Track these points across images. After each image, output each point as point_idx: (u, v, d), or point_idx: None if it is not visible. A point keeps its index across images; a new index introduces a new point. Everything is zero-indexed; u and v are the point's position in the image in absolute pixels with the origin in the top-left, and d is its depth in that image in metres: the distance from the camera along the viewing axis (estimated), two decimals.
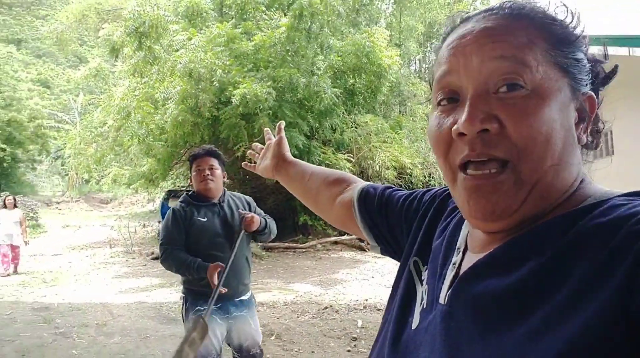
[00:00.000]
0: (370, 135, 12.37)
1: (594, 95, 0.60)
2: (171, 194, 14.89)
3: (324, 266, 10.58)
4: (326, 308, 6.84)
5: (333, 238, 13.21)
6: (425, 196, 0.85)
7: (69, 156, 31.97)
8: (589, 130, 0.60)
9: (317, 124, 11.30)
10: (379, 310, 6.96)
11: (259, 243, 12.55)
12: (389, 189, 0.95)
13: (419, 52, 16.58)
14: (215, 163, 3.01)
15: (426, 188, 0.90)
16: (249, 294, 3.07)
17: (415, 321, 0.67)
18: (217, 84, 9.07)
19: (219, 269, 2.79)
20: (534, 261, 0.53)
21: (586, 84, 0.59)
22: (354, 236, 13.33)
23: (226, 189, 3.17)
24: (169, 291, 8.30)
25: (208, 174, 2.96)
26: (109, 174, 14.48)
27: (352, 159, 12.25)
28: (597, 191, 0.58)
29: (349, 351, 5.10)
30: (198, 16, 10.79)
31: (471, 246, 0.65)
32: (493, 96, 0.56)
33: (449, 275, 0.64)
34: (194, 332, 2.10)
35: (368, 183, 1.03)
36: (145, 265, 11.62)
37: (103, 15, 17.43)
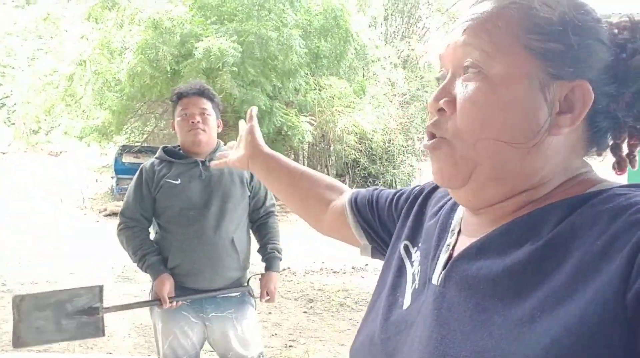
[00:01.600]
0: (334, 99, 12.26)
1: (586, 83, 0.56)
2: (125, 149, 14.44)
3: (282, 227, 10.59)
4: (284, 269, 6.88)
5: None
6: (415, 187, 0.87)
7: (15, 104, 30.37)
8: (578, 121, 0.57)
9: (280, 84, 11.08)
10: (335, 272, 7.07)
11: None
12: (379, 189, 0.96)
13: (385, 15, 16.37)
14: (208, 106, 2.27)
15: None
16: (238, 291, 2.33)
17: (407, 301, 0.67)
18: (179, 37, 8.64)
19: (167, 285, 2.17)
20: (530, 246, 0.53)
21: (583, 71, 0.56)
22: None
23: (221, 143, 2.41)
24: (121, 249, 8.12)
25: (199, 122, 2.22)
26: (59, 125, 13.81)
27: (314, 122, 12.16)
28: (600, 182, 0.59)
29: (305, 312, 5.18)
30: None
31: (465, 229, 0.66)
32: (460, 80, 0.60)
33: (443, 256, 0.65)
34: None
35: (355, 190, 1.02)
36: (97, 221, 11.31)
37: None
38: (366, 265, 7.31)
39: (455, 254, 0.63)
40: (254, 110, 1.15)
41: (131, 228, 2.27)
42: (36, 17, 12.75)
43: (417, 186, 0.87)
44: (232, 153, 1.18)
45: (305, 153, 15.88)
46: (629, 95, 0.58)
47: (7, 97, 31.77)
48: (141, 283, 6.08)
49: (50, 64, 13.58)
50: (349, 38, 10.72)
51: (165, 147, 2.42)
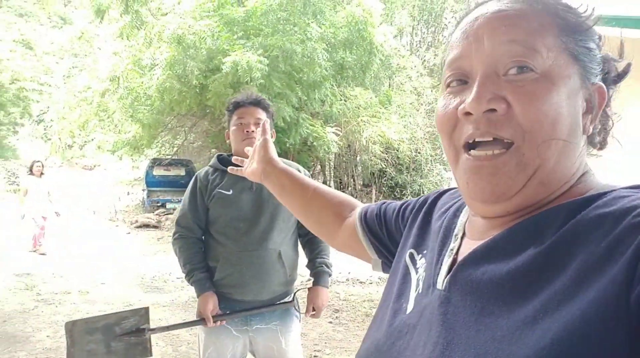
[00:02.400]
0: (359, 109, 12.26)
1: (603, 86, 0.59)
2: (156, 162, 14.77)
3: None
4: (309, 280, 6.88)
5: None
6: (420, 197, 0.88)
7: (52, 120, 31.41)
8: (596, 121, 0.60)
9: (305, 97, 11.16)
10: (361, 283, 7.04)
11: None
12: (387, 202, 0.97)
13: (412, 25, 16.37)
14: (263, 116, 2.26)
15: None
16: (283, 307, 2.30)
17: (410, 306, 0.67)
18: (205, 52, 8.84)
19: (211, 304, 2.16)
20: (534, 249, 0.53)
21: (597, 75, 0.59)
22: None
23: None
24: (151, 260, 8.29)
25: (253, 131, 2.20)
26: (92, 140, 14.23)
27: (339, 132, 12.19)
28: (601, 183, 0.60)
29: (330, 323, 5.17)
30: None
31: (470, 232, 0.66)
32: (502, 78, 0.57)
33: (447, 260, 0.65)
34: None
35: (366, 204, 1.02)
36: (129, 233, 11.57)
37: None
38: None
39: (459, 258, 0.63)
40: (267, 124, 1.15)
41: (185, 238, 2.28)
42: (71, 36, 13.21)
43: (422, 196, 0.87)
44: (247, 164, 1.21)
45: (332, 164, 15.91)
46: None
47: (44, 113, 32.90)
48: (170, 293, 6.19)
49: (85, 81, 14.07)
50: (373, 49, 10.74)
51: (221, 155, 2.40)
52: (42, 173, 8.82)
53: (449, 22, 17.30)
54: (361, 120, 12.25)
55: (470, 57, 0.59)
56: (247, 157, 2.27)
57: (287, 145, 11.54)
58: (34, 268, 7.31)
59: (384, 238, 0.90)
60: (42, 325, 4.85)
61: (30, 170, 8.84)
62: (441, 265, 0.65)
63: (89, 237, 10.46)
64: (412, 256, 0.75)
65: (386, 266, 0.91)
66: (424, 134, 14.82)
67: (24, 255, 8.27)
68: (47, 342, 4.43)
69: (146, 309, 2.06)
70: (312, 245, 2.44)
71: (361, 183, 16.30)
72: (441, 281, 0.63)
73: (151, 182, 14.14)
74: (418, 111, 14.46)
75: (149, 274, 7.17)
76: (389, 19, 13.48)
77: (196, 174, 2.38)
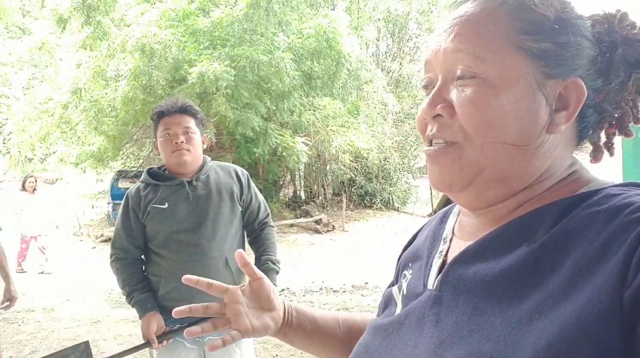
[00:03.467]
0: (328, 118, 12.33)
1: (578, 80, 0.57)
2: (121, 174, 14.42)
3: (280, 248, 10.55)
4: (283, 290, 6.85)
5: (289, 221, 13.21)
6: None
7: (10, 133, 30.35)
8: (574, 116, 0.58)
9: (274, 107, 11.17)
10: (334, 291, 7.04)
11: None
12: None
13: (377, 36, 16.62)
14: (192, 123, 2.15)
15: None
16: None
17: (398, 309, 0.67)
18: (171, 61, 8.74)
19: (154, 325, 2.07)
20: (526, 247, 0.53)
21: (576, 69, 0.57)
22: (310, 219, 13.38)
23: (208, 159, 2.29)
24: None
25: (182, 142, 2.10)
26: (54, 153, 13.83)
27: (309, 142, 12.23)
28: (592, 180, 0.59)
29: None
30: None
31: (460, 233, 0.66)
32: (453, 85, 0.60)
33: (437, 262, 0.65)
34: None
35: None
36: (94, 247, 11.25)
37: None
38: (366, 283, 7.30)
39: (449, 259, 0.63)
40: (241, 253, 0.86)
41: (122, 260, 2.18)
42: (31, 47, 12.86)
43: None
44: (238, 319, 0.85)
45: (302, 173, 15.92)
46: (613, 87, 0.59)
47: (2, 126, 31.80)
48: None
49: (46, 92, 13.67)
50: (341, 59, 10.85)
51: (150, 169, 2.29)
52: (34, 189, 8.26)
53: (414, 33, 17.65)
54: (330, 130, 12.33)
55: (432, 64, 0.63)
56: (178, 171, 2.18)
57: (257, 155, 11.50)
58: None
59: None
60: (5, 345, 4.65)
61: (23, 186, 8.23)
62: (431, 266, 0.65)
63: (53, 252, 10.12)
64: (404, 276, 0.73)
65: None
66: (392, 143, 15.02)
67: None
68: None
69: (86, 343, 1.97)
70: (257, 243, 2.37)
71: (331, 192, 16.36)
72: (432, 282, 0.63)
73: (117, 195, 13.79)
74: (386, 120, 14.66)
75: (116, 289, 6.97)
76: (356, 30, 13.65)
77: (127, 192, 2.26)
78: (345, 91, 13.43)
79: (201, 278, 0.86)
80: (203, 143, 2.25)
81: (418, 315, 0.61)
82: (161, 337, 2.08)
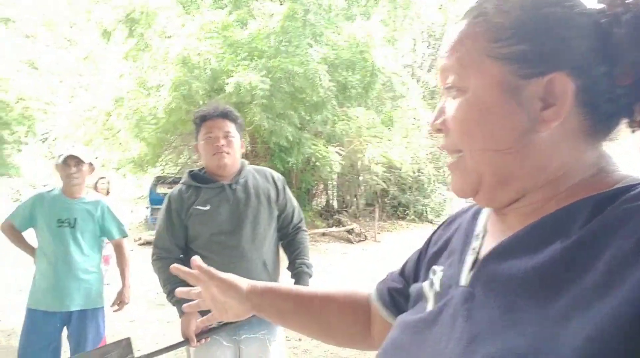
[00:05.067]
0: (362, 129, 12.37)
1: (559, 75, 0.56)
2: (160, 180, 14.85)
3: (312, 256, 10.59)
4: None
5: (321, 230, 13.26)
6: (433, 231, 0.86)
7: (55, 139, 31.56)
8: (563, 113, 0.57)
9: (308, 117, 11.30)
10: None
11: None
12: (394, 272, 0.90)
13: (413, 47, 16.61)
14: (232, 128, 2.23)
15: None
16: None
17: (429, 306, 0.68)
18: (209, 72, 9.01)
19: (193, 324, 2.11)
20: (560, 243, 0.53)
21: (555, 65, 0.56)
22: (342, 228, 13.40)
23: (246, 163, 2.37)
24: (155, 277, 8.26)
25: (223, 145, 2.19)
26: (97, 158, 14.33)
27: (342, 152, 12.28)
28: (627, 176, 0.58)
29: None
30: (192, 3, 10.69)
31: (492, 231, 0.67)
32: (448, 100, 0.64)
33: (469, 259, 0.66)
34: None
35: (373, 289, 0.93)
36: (132, 250, 11.57)
37: None
38: None
39: (481, 255, 0.64)
40: (197, 260, 0.96)
41: (163, 259, 2.25)
42: (77, 57, 13.45)
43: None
44: (215, 311, 1.00)
45: (334, 183, 15.97)
46: (628, 67, 0.56)
47: (47, 132, 33.08)
48: (174, 309, 6.19)
49: (90, 100, 14.24)
50: (375, 71, 10.90)
51: (192, 171, 2.37)
52: (108, 191, 7.29)
53: None
54: (364, 140, 12.36)
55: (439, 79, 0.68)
56: (218, 173, 2.27)
57: (290, 164, 11.63)
58: None
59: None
60: None
61: (95, 188, 7.05)
62: (464, 263, 0.66)
63: None
64: (433, 271, 0.73)
65: None
66: (426, 155, 14.92)
67: None
68: None
69: (127, 339, 2.06)
70: (291, 246, 2.42)
71: (364, 202, 16.35)
72: (464, 278, 0.63)
73: (155, 200, 14.19)
74: (420, 131, 14.59)
75: (154, 290, 7.18)
76: (391, 42, 13.69)
77: (168, 194, 2.33)
78: (379, 101, 13.46)
79: (203, 265, 0.95)
80: (242, 148, 2.32)
81: (450, 311, 0.62)
82: (199, 336, 2.15)
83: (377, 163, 12.39)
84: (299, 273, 2.36)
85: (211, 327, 2.17)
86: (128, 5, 9.32)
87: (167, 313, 6.01)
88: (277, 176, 2.44)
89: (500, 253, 0.60)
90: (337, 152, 11.84)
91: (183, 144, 13.59)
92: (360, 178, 15.47)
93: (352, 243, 12.58)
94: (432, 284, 0.70)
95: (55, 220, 3.02)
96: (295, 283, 2.36)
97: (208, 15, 9.86)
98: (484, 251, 0.64)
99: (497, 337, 0.52)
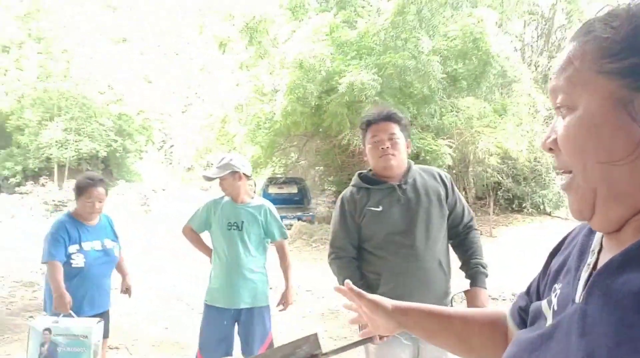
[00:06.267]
0: (472, 119, 11.94)
1: None
2: (271, 181, 15.48)
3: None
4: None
5: None
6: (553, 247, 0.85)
7: (172, 146, 34.12)
8: None
9: (415, 111, 11.14)
10: (494, 299, 6.80)
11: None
12: (523, 291, 0.92)
13: (523, 30, 15.73)
14: (396, 129, 2.29)
15: None
16: None
17: (548, 322, 0.68)
18: (324, 74, 9.22)
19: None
20: None
21: None
22: None
23: (412, 163, 2.42)
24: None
25: (388, 148, 2.25)
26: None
27: (452, 144, 11.95)
28: None
29: None
30: (300, 7, 11.00)
31: (608, 245, 0.66)
32: (559, 119, 0.65)
33: (584, 275, 0.65)
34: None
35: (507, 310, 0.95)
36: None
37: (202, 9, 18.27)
38: (513, 294, 6.93)
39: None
40: (349, 283, 1.08)
41: (341, 258, 2.32)
42: (191, 67, 14.43)
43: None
44: (366, 327, 1.14)
45: None
46: None
47: (163, 141, 35.83)
48: (302, 306, 6.42)
49: (206, 109, 15.27)
50: (489, 59, 10.49)
51: (361, 173, 2.44)
52: (252, 197, 7.70)
53: (561, 24, 16.38)
54: (475, 131, 11.94)
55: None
56: (385, 175, 2.32)
57: None
58: (179, 283, 7.88)
59: None
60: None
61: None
62: (579, 279, 0.65)
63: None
64: (554, 290, 0.73)
65: None
66: None
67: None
68: None
69: (315, 335, 2.17)
70: (464, 246, 2.41)
71: (474, 196, 15.79)
72: (579, 295, 0.63)
73: (268, 199, 14.76)
74: (535, 118, 13.79)
75: (280, 286, 7.49)
76: (500, 27, 13.08)
77: (341, 196, 2.42)
78: (490, 89, 12.91)
79: (353, 287, 1.06)
80: (407, 148, 2.36)
81: (565, 328, 0.62)
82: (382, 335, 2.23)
83: (490, 154, 11.91)
84: (475, 273, 2.34)
85: None
86: (248, 14, 9.79)
87: (295, 309, 6.24)
88: (445, 174, 2.45)
89: (613, 268, 0.58)
90: (447, 145, 11.54)
91: (290, 146, 14.05)
92: (470, 169, 14.93)
93: None
94: (550, 302, 0.70)
95: (226, 223, 3.26)
96: (471, 284, 2.34)
97: (315, 19, 10.09)
98: (599, 267, 0.63)
99: (611, 354, 0.52)
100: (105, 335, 3.25)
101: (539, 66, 15.72)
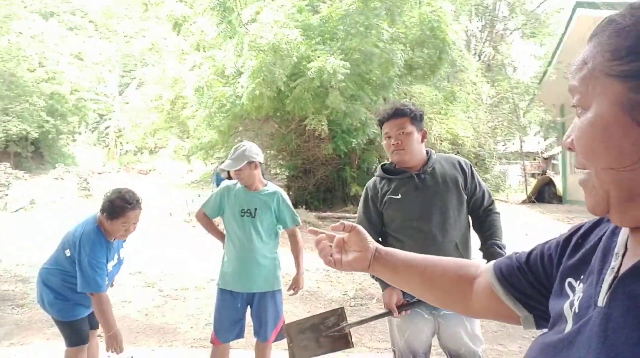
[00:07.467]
0: (424, 106, 12.36)
1: None
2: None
3: None
4: None
5: None
6: (571, 228, 0.85)
7: (107, 128, 32.60)
8: None
9: (375, 97, 11.34)
10: None
11: (314, 211, 12.85)
12: (518, 253, 0.94)
13: (469, 20, 16.35)
14: (406, 123, 2.43)
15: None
16: None
17: (568, 327, 0.68)
18: (295, 59, 9.16)
19: (394, 297, 2.36)
20: None
21: None
22: None
23: (432, 152, 2.57)
24: None
25: (399, 143, 2.42)
26: (167, 146, 14.84)
27: None
28: None
29: None
30: None
31: (633, 248, 0.64)
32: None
33: (607, 278, 0.64)
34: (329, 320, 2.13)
35: (492, 262, 1.00)
36: (207, 233, 11.94)
37: None
38: None
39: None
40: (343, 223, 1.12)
41: None
42: (142, 47, 13.87)
43: (573, 226, 0.85)
44: (340, 255, 1.09)
45: None
46: None
47: (98, 122, 34.13)
48: None
49: (152, 91, 14.71)
50: (445, 48, 10.85)
51: (383, 164, 2.63)
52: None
53: (504, 15, 17.22)
54: (427, 117, 12.35)
55: None
56: (402, 166, 2.49)
57: (353, 145, 11.71)
58: (142, 266, 7.71)
59: (531, 290, 0.86)
60: (181, 318, 5.22)
61: (229, 176, 7.38)
62: (602, 283, 0.64)
63: (173, 239, 10.78)
64: (570, 285, 0.74)
65: (541, 319, 0.86)
66: (487, 129, 14.82)
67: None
68: (194, 333, 4.79)
69: (342, 308, 2.34)
70: (483, 228, 2.56)
71: None
72: (602, 299, 0.62)
73: (221, 182, 14.52)
74: (480, 106, 14.48)
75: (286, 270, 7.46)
76: (455, 18, 13.54)
77: (366, 185, 2.62)
78: (440, 78, 13.36)
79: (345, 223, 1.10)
80: (423, 137, 2.51)
81: (587, 332, 0.61)
82: (401, 308, 2.37)
83: (442, 140, 12.38)
84: (491, 253, 2.47)
85: (412, 301, 2.41)
86: None
87: None
88: (465, 162, 2.59)
89: (637, 272, 0.58)
90: None
91: (246, 129, 13.87)
92: None
93: None
94: (571, 305, 0.69)
95: (239, 210, 3.28)
96: (487, 263, 2.53)
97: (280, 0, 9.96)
98: (623, 270, 0.62)
99: None
100: (95, 326, 3.23)
101: (482, 55, 16.46)
